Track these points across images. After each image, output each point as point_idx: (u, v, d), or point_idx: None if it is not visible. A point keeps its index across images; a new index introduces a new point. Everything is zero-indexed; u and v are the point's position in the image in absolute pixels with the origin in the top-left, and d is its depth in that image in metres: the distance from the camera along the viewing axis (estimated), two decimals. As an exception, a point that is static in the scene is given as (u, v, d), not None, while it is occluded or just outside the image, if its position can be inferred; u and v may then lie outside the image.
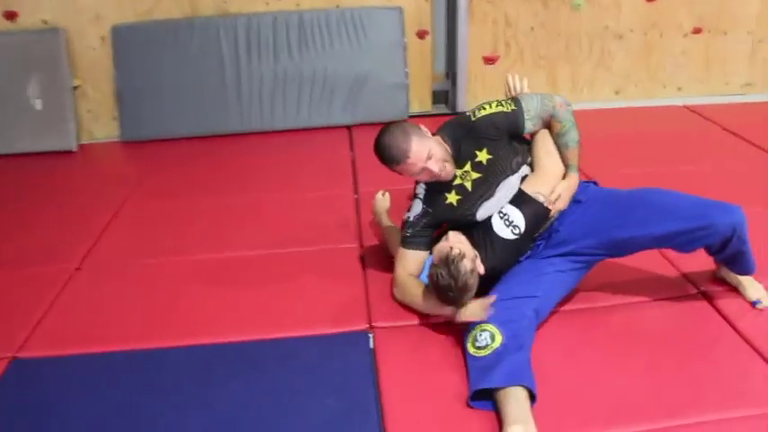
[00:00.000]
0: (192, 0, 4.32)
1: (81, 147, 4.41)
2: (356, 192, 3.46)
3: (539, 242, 2.33)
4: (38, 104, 4.27)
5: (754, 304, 2.33)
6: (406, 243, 2.39)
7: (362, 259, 2.80)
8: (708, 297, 2.41)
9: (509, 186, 2.32)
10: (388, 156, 2.23)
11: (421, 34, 4.58)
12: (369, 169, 3.72)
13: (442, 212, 2.36)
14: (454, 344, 2.22)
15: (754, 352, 2.14)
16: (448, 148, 2.31)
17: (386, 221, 2.81)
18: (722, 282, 2.44)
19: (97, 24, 4.30)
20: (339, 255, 2.85)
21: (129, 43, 4.31)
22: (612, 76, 4.91)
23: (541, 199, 2.26)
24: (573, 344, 2.22)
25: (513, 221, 2.26)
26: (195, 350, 2.27)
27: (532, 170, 2.36)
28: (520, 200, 2.28)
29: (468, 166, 2.32)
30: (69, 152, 4.31)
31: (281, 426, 1.93)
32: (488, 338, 2.05)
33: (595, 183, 2.47)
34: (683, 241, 2.14)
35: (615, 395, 1.98)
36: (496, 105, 2.31)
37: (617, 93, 4.98)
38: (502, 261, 2.28)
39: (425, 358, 2.19)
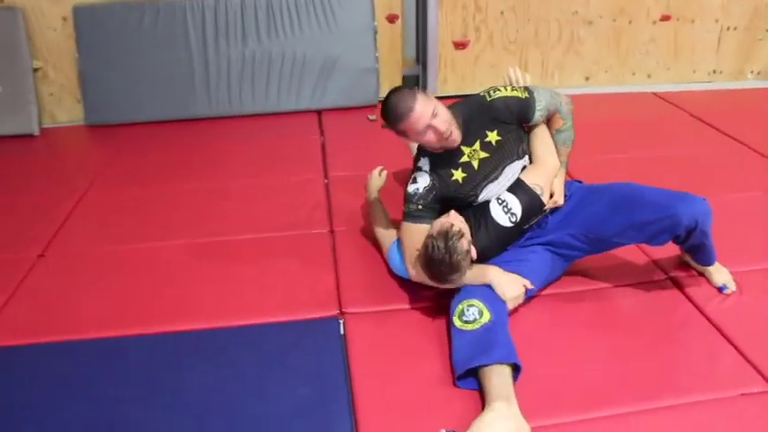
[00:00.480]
0: (157, -19, 4.23)
1: (43, 131, 4.30)
2: (326, 176, 3.43)
3: (528, 234, 2.36)
4: (-3, 87, 4.16)
5: (720, 290, 2.37)
6: (414, 217, 2.29)
7: (333, 244, 2.78)
8: (676, 283, 2.45)
9: (513, 171, 2.34)
10: (394, 112, 2.18)
11: (391, 18, 4.54)
12: (339, 154, 3.72)
13: (447, 188, 2.32)
14: (428, 329, 2.22)
15: (722, 336, 2.17)
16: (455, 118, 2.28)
17: (376, 200, 2.77)
18: (688, 267, 2.48)
19: (58, 4, 4.18)
20: (309, 240, 2.83)
21: (93, 24, 4.20)
22: (582, 61, 4.93)
23: (538, 191, 2.29)
24: (544, 329, 2.24)
25: (511, 209, 2.28)
26: (162, 337, 2.24)
27: (530, 161, 2.39)
28: (518, 188, 2.31)
29: (477, 145, 2.30)
30: (31, 136, 4.21)
31: (251, 413, 1.91)
32: (476, 313, 2.07)
33: (580, 182, 2.52)
34: (653, 232, 2.17)
35: (586, 380, 2.00)
36: (511, 90, 2.32)
37: (587, 79, 5.00)
38: (493, 246, 2.29)
39: (396, 344, 2.18)
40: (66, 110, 4.44)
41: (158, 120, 4.31)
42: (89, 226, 3.04)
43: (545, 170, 2.34)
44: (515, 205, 2.28)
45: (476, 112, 2.31)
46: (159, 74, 4.28)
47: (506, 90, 2.33)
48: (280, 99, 4.39)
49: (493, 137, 2.30)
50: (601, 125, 4.03)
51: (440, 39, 4.60)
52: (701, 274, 2.44)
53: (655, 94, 4.78)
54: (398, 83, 4.69)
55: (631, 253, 2.57)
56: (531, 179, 2.31)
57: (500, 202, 2.29)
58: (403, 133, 2.24)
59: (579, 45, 4.86)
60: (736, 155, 3.66)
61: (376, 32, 4.45)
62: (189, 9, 4.22)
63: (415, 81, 4.77)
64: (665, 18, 4.88)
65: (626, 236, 2.25)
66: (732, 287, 2.36)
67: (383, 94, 4.47)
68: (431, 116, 2.14)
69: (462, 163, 2.31)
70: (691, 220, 2.11)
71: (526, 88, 2.35)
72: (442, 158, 2.31)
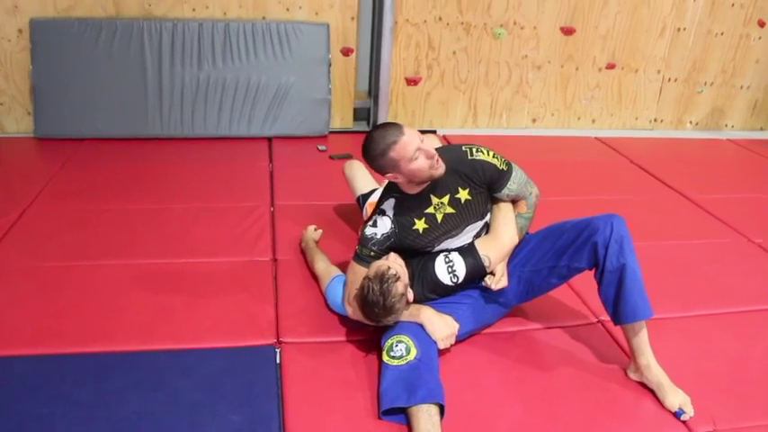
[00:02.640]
0: (116, 0, 4.24)
1: (-10, 140, 4.26)
2: (272, 204, 3.46)
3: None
4: (-55, 94, 4.12)
5: (676, 415, 2.09)
6: (364, 261, 2.27)
7: (275, 273, 2.81)
8: (605, 326, 2.52)
9: (473, 229, 2.37)
10: (384, 141, 2.14)
11: (346, 51, 4.63)
12: (286, 182, 3.75)
13: (406, 237, 2.31)
14: (363, 363, 2.26)
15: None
16: None
17: (313, 248, 2.82)
18: (641, 385, 2.23)
19: (14, 15, 4.17)
20: (252, 267, 2.85)
21: (48, 38, 4.19)
22: (530, 103, 5.09)
23: (486, 262, 2.30)
24: (475, 368, 2.29)
25: (455, 270, 2.30)
26: (94, 357, 2.22)
27: (488, 230, 2.40)
28: (468, 253, 2.32)
29: (446, 199, 2.30)
30: (-24, 145, 4.17)
31: (181, 438, 1.92)
32: (404, 350, 2.12)
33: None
34: (575, 248, 2.22)
35: (513, 419, 2.06)
36: (493, 156, 2.31)
37: (534, 121, 5.16)
38: (427, 298, 2.33)
39: (331, 375, 2.21)
40: (15, 121, 4.41)
41: (109, 137, 4.30)
42: (30, 240, 3.00)
43: (500, 245, 2.33)
44: (460, 268, 2.30)
45: (453, 165, 2.27)
46: (113, 91, 4.28)
47: (488, 155, 2.30)
48: (231, 124, 4.43)
49: (463, 195, 2.31)
50: (545, 167, 4.10)
51: (392, 74, 4.71)
52: (654, 395, 2.18)
53: (598, 138, 4.95)
54: (350, 115, 4.79)
55: (565, 295, 2.65)
56: (483, 249, 2.31)
57: (447, 261, 2.32)
58: (393, 163, 2.16)
59: (527, 88, 5.03)
60: (671, 202, 3.82)
61: (330, 64, 4.53)
62: (146, 29, 4.24)
63: (366, 114, 4.86)
64: (611, 66, 5.08)
65: (555, 263, 2.28)
66: (690, 411, 2.08)
67: (334, 125, 4.65)
68: (420, 140, 2.15)
69: (427, 213, 2.30)
70: (606, 224, 2.17)
71: (508, 163, 2.34)
72: (409, 203, 2.30)
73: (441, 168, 2.20)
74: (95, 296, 2.59)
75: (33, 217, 3.22)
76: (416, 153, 2.13)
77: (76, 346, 2.28)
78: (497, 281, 2.31)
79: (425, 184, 2.26)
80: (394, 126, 2.18)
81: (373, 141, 2.17)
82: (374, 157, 2.18)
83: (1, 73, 4.28)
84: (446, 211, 2.31)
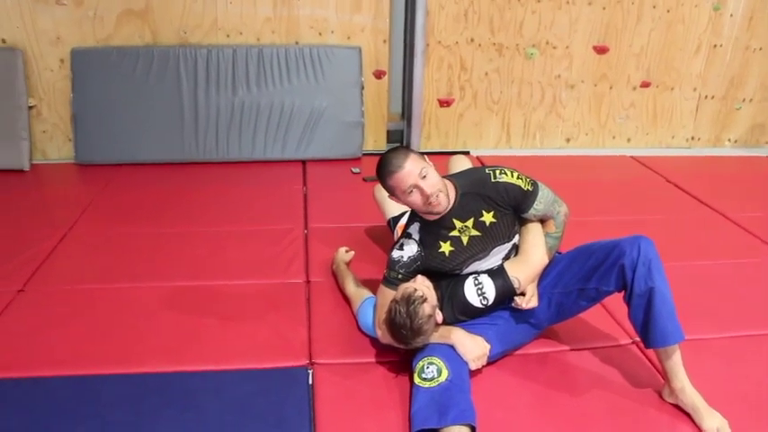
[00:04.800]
0: (153, 29, 4.35)
1: (33, 166, 4.38)
2: (306, 227, 3.49)
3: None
4: (-9, 122, 4.24)
5: None
6: (392, 283, 2.29)
7: (308, 295, 2.83)
8: (639, 347, 2.47)
9: (501, 252, 2.36)
10: (385, 168, 2.20)
11: (378, 74, 4.67)
12: (320, 205, 3.78)
13: (433, 260, 2.32)
14: (395, 384, 2.26)
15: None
16: (450, 187, 2.28)
17: (344, 270, 2.84)
18: (677, 408, 2.18)
19: (57, 46, 4.30)
20: (285, 289, 2.88)
21: (88, 67, 4.31)
22: (564, 123, 5.07)
23: (516, 284, 2.28)
24: (506, 390, 2.27)
25: (485, 293, 2.29)
26: (127, 378, 2.26)
27: (518, 251, 2.39)
28: (498, 275, 2.30)
29: (470, 222, 2.30)
30: (21, 171, 4.29)
31: (213, 459, 1.94)
32: (435, 372, 2.12)
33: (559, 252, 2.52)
34: (603, 271, 2.20)
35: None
36: (517, 177, 2.30)
37: (568, 140, 5.13)
38: (457, 320, 2.33)
39: (364, 397, 2.21)
40: (57, 148, 4.53)
41: (146, 162, 4.40)
42: (71, 263, 3.08)
43: (529, 266, 2.31)
44: (490, 290, 2.29)
45: (476, 188, 2.29)
46: (150, 118, 4.38)
47: (512, 176, 2.30)
48: (266, 148, 4.49)
49: (488, 218, 2.30)
50: (579, 187, 4.10)
51: (425, 96, 4.73)
52: (691, 420, 2.12)
53: (633, 158, 4.90)
54: (383, 137, 4.82)
55: (598, 316, 2.61)
56: (512, 271, 2.30)
57: (476, 283, 2.31)
58: (391, 190, 2.25)
59: (561, 108, 5.00)
60: (709, 222, 3.75)
61: (363, 87, 4.57)
62: (182, 56, 4.34)
63: (399, 136, 4.88)
64: (645, 85, 5.03)
65: (583, 286, 2.26)
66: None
67: (368, 147, 4.68)
68: (418, 176, 2.16)
69: (452, 237, 2.30)
70: (633, 246, 2.14)
71: (533, 183, 2.33)
72: (434, 227, 2.31)
73: (439, 206, 2.22)
74: (130, 317, 2.64)
75: (73, 240, 3.30)
76: (410, 189, 2.17)
77: (110, 368, 2.32)
78: (527, 300, 2.29)
79: (438, 215, 2.27)
80: (401, 155, 2.21)
81: (380, 164, 2.24)
82: (379, 177, 2.27)
83: (44, 102, 4.41)
84: (471, 234, 2.31)
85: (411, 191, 2.18)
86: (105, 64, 4.31)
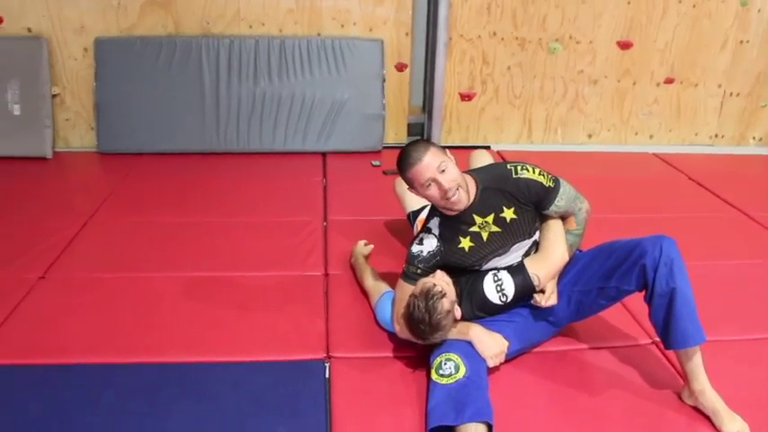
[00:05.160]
0: (175, 19, 4.37)
1: (56, 154, 4.43)
2: (325, 219, 3.49)
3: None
4: (16, 110, 4.28)
5: None
6: (411, 278, 2.29)
7: (326, 288, 2.83)
8: (659, 347, 2.43)
9: (521, 248, 2.35)
10: (404, 160, 2.21)
11: (400, 67, 4.66)
12: (340, 197, 3.79)
13: (452, 255, 2.31)
14: (412, 379, 2.26)
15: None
16: (470, 182, 2.28)
17: (362, 264, 2.84)
18: (696, 410, 2.15)
19: (81, 35, 4.33)
20: (303, 281, 2.88)
21: (112, 56, 4.34)
22: (586, 119, 5.02)
23: (536, 281, 2.27)
24: (524, 388, 2.26)
25: (504, 289, 2.28)
26: (145, 368, 2.28)
27: (538, 248, 2.38)
28: (517, 272, 2.29)
29: (490, 218, 2.28)
30: (44, 159, 4.33)
31: (229, 451, 1.94)
32: (453, 368, 2.11)
33: (580, 250, 2.50)
34: (624, 270, 2.18)
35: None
36: (539, 174, 2.29)
37: (590, 136, 5.08)
38: (476, 317, 2.32)
39: (380, 391, 2.21)
40: (79, 136, 4.57)
41: (167, 151, 4.42)
42: (91, 251, 3.11)
43: (549, 263, 2.30)
44: (509, 287, 2.28)
45: (497, 184, 2.29)
46: (172, 107, 4.40)
47: (534, 172, 2.29)
48: (286, 139, 4.49)
49: (509, 214, 2.29)
50: (600, 183, 4.04)
51: (446, 89, 4.70)
52: (711, 423, 2.10)
53: (655, 155, 4.85)
54: (404, 130, 4.81)
55: (617, 315, 2.58)
56: (532, 267, 2.29)
57: (496, 279, 2.30)
58: (410, 182, 2.24)
59: (583, 103, 4.96)
60: (732, 221, 3.71)
61: (384, 80, 4.56)
62: (204, 47, 4.35)
63: (420, 129, 4.87)
64: (669, 81, 4.98)
65: (603, 285, 2.25)
66: None
67: (388, 140, 4.67)
68: (437, 170, 2.15)
69: (472, 232, 2.30)
70: (655, 246, 2.11)
71: (555, 179, 2.32)
72: (453, 222, 2.30)
73: (459, 204, 2.21)
74: (148, 307, 2.66)
75: (94, 229, 3.33)
76: (428, 182, 2.17)
77: (128, 357, 2.34)
78: (547, 298, 2.28)
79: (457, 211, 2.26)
80: (421, 148, 2.20)
81: (401, 156, 2.24)
82: (399, 169, 2.27)
83: (67, 90, 4.45)
84: (492, 230, 2.30)
85: (429, 184, 2.18)
86: (128, 53, 4.33)
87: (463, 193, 2.20)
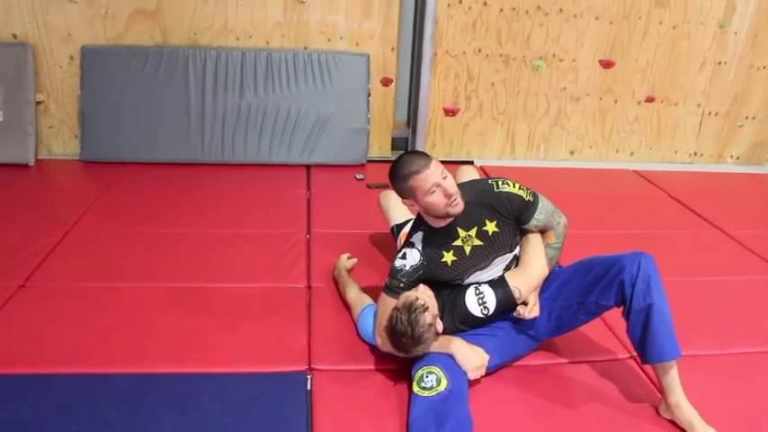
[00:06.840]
0: (163, 29, 4.38)
1: (38, 162, 4.40)
2: (309, 232, 3.50)
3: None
4: (-1, 116, 4.27)
5: None
6: (393, 292, 2.30)
7: (309, 300, 2.84)
8: (637, 361, 2.45)
9: (503, 262, 2.38)
10: (407, 168, 2.20)
11: (385, 82, 4.69)
12: (323, 210, 3.79)
13: (435, 270, 2.34)
14: (394, 391, 2.27)
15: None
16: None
17: (345, 277, 2.86)
18: (672, 423, 2.19)
19: (68, 43, 4.33)
20: (286, 294, 2.88)
21: (98, 65, 4.34)
22: (568, 136, 5.09)
23: (516, 294, 2.30)
24: (504, 401, 2.28)
25: (486, 302, 2.31)
26: (127, 378, 2.27)
27: (518, 262, 2.41)
28: (499, 285, 2.33)
29: (473, 231, 2.32)
30: (26, 166, 4.30)
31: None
32: (434, 381, 2.13)
33: (560, 266, 2.55)
34: (603, 285, 2.22)
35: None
36: (519, 188, 2.34)
37: (572, 153, 5.15)
38: (458, 330, 2.34)
39: (362, 404, 2.22)
40: (62, 144, 4.55)
41: (151, 161, 4.41)
42: (73, 260, 3.08)
43: (530, 276, 2.33)
44: (491, 300, 2.31)
45: (480, 198, 2.33)
46: (157, 117, 4.40)
47: (514, 187, 2.34)
48: (271, 151, 4.50)
49: (491, 227, 2.33)
50: (582, 200, 4.13)
51: (431, 104, 4.75)
52: None
53: (636, 172, 4.92)
54: (388, 144, 4.85)
55: (597, 329, 2.62)
56: (513, 281, 2.32)
57: (477, 293, 2.33)
58: (411, 191, 2.23)
59: (566, 120, 5.03)
60: (710, 238, 3.77)
61: (369, 94, 4.59)
62: (191, 57, 4.36)
63: (404, 144, 4.91)
64: (650, 99, 5.06)
65: (583, 300, 2.28)
66: None
67: (372, 154, 4.70)
68: (441, 176, 2.18)
69: (455, 246, 2.33)
70: (633, 262, 2.16)
71: (534, 194, 2.37)
72: (437, 236, 2.33)
73: (458, 207, 2.23)
74: (131, 317, 2.64)
75: (76, 238, 3.31)
76: (433, 188, 2.18)
77: (110, 367, 2.33)
78: (530, 310, 2.30)
79: (449, 219, 2.29)
80: (423, 157, 2.23)
81: (399, 165, 2.24)
82: (396, 179, 2.25)
83: (51, 97, 4.43)
84: (474, 244, 2.33)
85: (434, 190, 2.18)
86: (115, 62, 4.33)
87: (461, 200, 2.24)
